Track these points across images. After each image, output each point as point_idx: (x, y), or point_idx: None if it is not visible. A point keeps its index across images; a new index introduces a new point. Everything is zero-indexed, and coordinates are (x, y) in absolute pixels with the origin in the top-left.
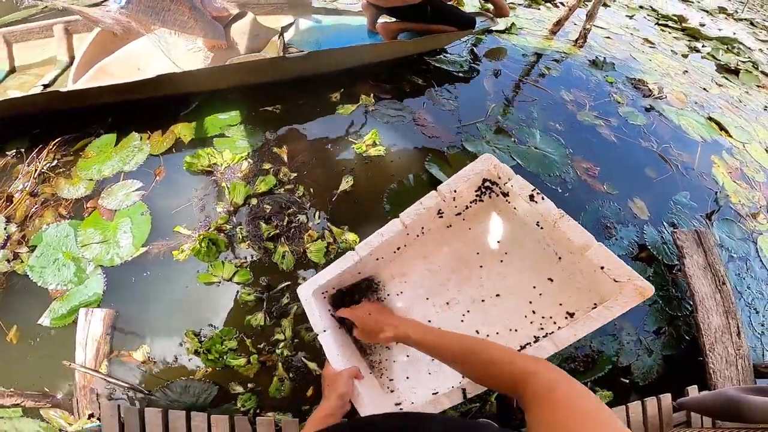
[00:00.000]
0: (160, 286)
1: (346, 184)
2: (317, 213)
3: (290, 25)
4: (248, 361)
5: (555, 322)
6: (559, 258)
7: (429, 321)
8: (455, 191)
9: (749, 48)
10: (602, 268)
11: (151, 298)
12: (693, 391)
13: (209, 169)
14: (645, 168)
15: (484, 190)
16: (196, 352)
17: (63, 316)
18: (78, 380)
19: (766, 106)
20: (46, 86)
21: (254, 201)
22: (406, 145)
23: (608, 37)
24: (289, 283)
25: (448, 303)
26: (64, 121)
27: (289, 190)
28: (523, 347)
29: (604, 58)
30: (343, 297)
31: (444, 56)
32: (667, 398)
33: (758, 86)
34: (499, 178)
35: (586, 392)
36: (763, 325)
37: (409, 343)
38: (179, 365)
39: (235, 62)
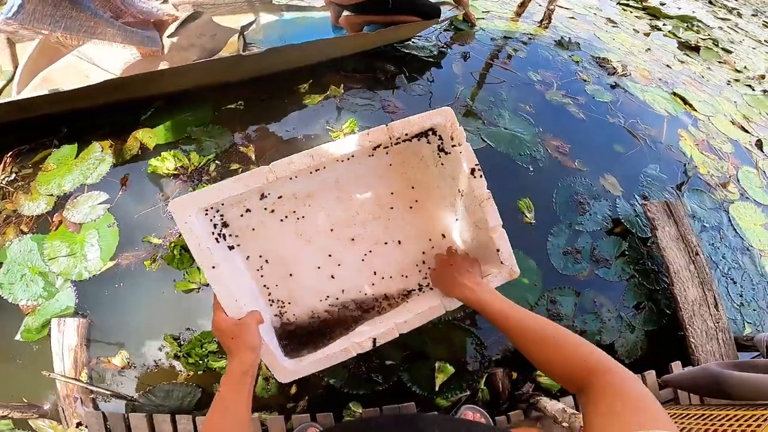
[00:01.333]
0: (136, 295)
1: None
2: None
3: (251, 23)
4: None
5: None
6: (456, 219)
7: (330, 255)
8: (406, 134)
9: (708, 26)
10: (498, 250)
11: (127, 307)
12: (677, 367)
13: (176, 172)
14: (614, 144)
15: (421, 135)
16: (176, 356)
17: (37, 329)
18: (60, 389)
19: (728, 81)
20: None
21: None
22: None
23: (572, 18)
24: None
25: (353, 239)
26: (15, 132)
27: None
28: (408, 293)
29: (569, 38)
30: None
31: (413, 42)
32: (651, 375)
33: (719, 62)
34: (451, 138)
35: (652, 396)
36: (741, 296)
37: (482, 308)
38: (161, 369)
39: (189, 64)
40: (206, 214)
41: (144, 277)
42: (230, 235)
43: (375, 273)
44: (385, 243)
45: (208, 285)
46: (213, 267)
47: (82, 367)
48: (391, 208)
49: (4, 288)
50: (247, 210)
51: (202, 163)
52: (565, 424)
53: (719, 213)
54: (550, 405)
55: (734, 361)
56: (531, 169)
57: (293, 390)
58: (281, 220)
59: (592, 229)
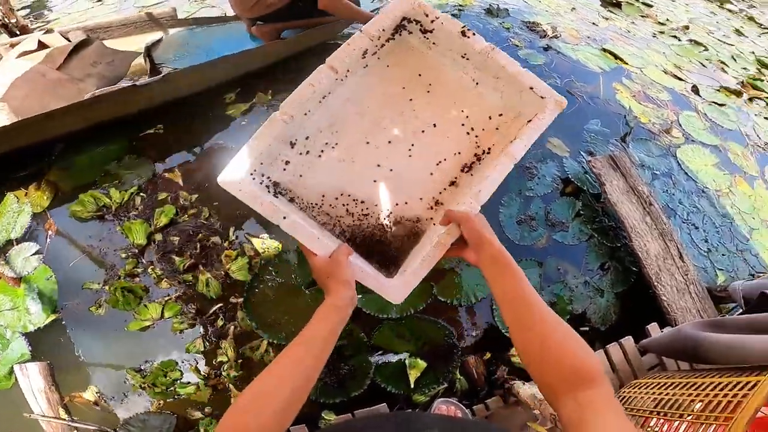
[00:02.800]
0: (89, 338)
1: None
2: (231, 229)
3: (158, 41)
4: (198, 387)
5: (492, 141)
6: (477, 83)
7: (378, 165)
8: (383, 30)
9: None
10: (531, 88)
11: (84, 349)
12: (654, 330)
13: (99, 213)
14: None
15: (398, 28)
16: (142, 387)
17: (2, 379)
18: (46, 429)
19: (654, 34)
20: None
21: (158, 237)
22: None
23: None
24: (221, 304)
25: (390, 142)
26: None
27: (193, 214)
28: (469, 167)
29: (498, 5)
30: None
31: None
32: (629, 342)
33: (642, 16)
34: (426, 15)
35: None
36: (707, 242)
37: (508, 263)
38: (133, 400)
39: (76, 103)
40: (254, 179)
41: (93, 320)
42: (285, 191)
43: (426, 161)
44: (422, 131)
45: (161, 319)
46: (284, 218)
47: (58, 406)
48: (410, 99)
49: None
50: (286, 162)
51: (125, 199)
52: (536, 411)
53: (668, 159)
54: (523, 390)
55: (706, 320)
56: None
57: None
58: (319, 157)
59: (543, 193)
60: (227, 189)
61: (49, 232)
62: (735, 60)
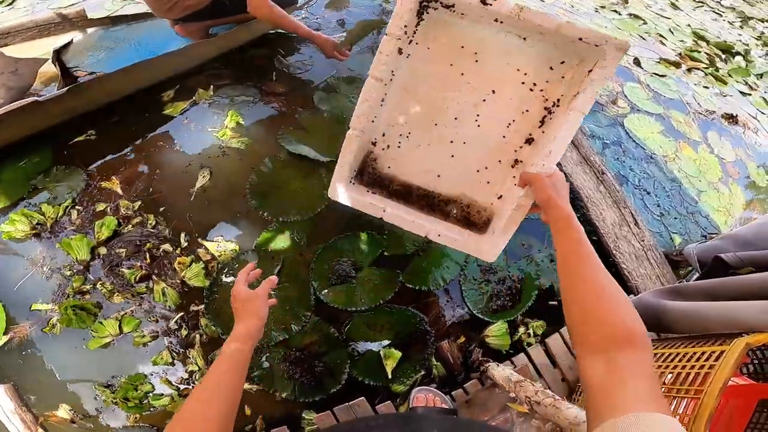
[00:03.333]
0: (50, 358)
1: (202, 179)
2: (181, 235)
3: (68, 44)
4: (172, 399)
5: (560, 92)
6: (524, 38)
7: (451, 142)
8: (406, 27)
9: None
10: (580, 39)
11: (48, 368)
12: None
13: (34, 231)
14: None
15: (420, 11)
16: (114, 402)
17: None
18: None
19: (596, 9)
20: None
21: (103, 250)
22: (258, 128)
23: None
24: (182, 313)
25: (456, 118)
26: None
27: (138, 223)
28: (542, 121)
29: None
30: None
31: None
32: None
33: None
34: None
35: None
36: (659, 206)
37: (569, 224)
38: (109, 416)
39: None
40: (353, 184)
41: (50, 340)
42: (379, 185)
43: (495, 127)
44: (483, 100)
45: (120, 335)
46: (384, 210)
47: (36, 426)
48: (462, 74)
49: None
50: (374, 161)
51: (60, 214)
52: (512, 395)
53: (616, 128)
54: (498, 372)
55: (666, 287)
56: None
57: (248, 411)
58: (399, 147)
59: None
60: (337, 200)
61: None
62: (672, 33)
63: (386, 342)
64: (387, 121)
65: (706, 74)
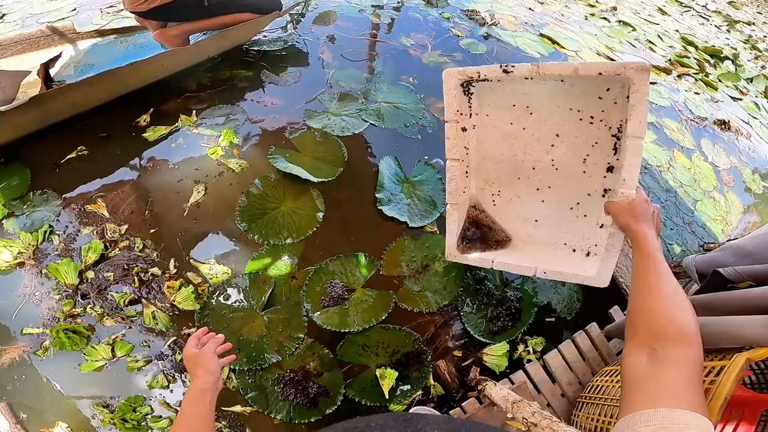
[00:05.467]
0: (44, 378)
1: (197, 194)
2: (171, 260)
3: (56, 57)
4: (171, 421)
5: (619, 116)
6: (563, 81)
7: (537, 189)
8: (459, 110)
9: None
10: (600, 74)
11: (41, 388)
12: (617, 314)
13: (18, 261)
14: None
15: (465, 88)
16: (112, 422)
17: None
18: None
19: (586, 16)
20: None
21: (91, 274)
22: (247, 149)
23: None
24: (175, 337)
25: (534, 168)
26: None
27: (125, 247)
28: (614, 148)
29: None
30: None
31: (262, 37)
32: (595, 328)
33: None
34: (471, 76)
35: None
36: None
37: (641, 243)
38: None
39: None
40: (463, 245)
41: (44, 363)
42: (484, 244)
43: (573, 165)
44: (552, 146)
45: (113, 359)
46: (492, 262)
47: None
48: (523, 128)
49: None
50: (475, 221)
51: (39, 240)
52: (509, 415)
53: None
54: (495, 392)
55: None
56: (420, 137)
57: None
58: (494, 205)
59: None
60: (454, 261)
61: None
62: (661, 38)
63: (380, 362)
64: (476, 186)
65: (696, 80)
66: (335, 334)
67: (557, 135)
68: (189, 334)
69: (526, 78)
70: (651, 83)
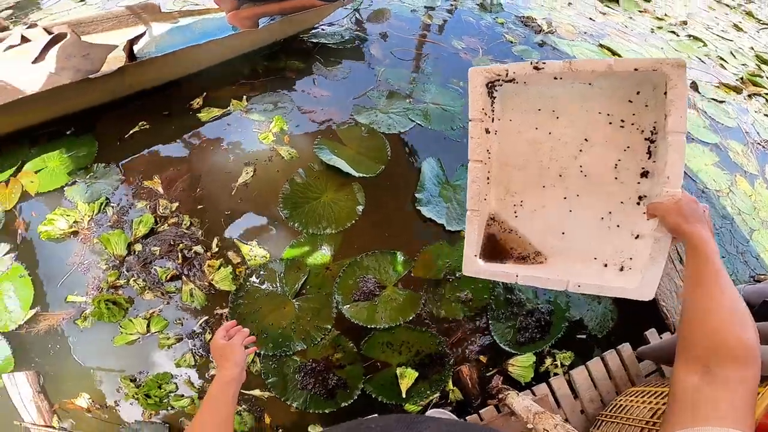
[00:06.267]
0: (77, 347)
1: (245, 175)
2: (214, 239)
3: (141, 35)
4: (192, 401)
5: (652, 118)
6: (590, 84)
7: (565, 198)
8: (483, 109)
9: None
10: (636, 69)
11: (72, 357)
12: (652, 336)
13: (72, 230)
14: None
15: (490, 91)
16: (135, 397)
17: None
18: None
19: (652, 29)
20: None
21: (138, 247)
22: (295, 138)
23: None
24: (207, 317)
25: (560, 175)
26: None
27: (174, 223)
28: (648, 152)
29: (491, 0)
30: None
31: (321, 30)
32: (627, 349)
33: (640, 11)
34: (499, 74)
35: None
36: None
37: (697, 246)
38: (125, 409)
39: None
40: (482, 258)
41: (80, 331)
42: (506, 257)
43: (603, 171)
44: (580, 150)
45: (147, 334)
46: (517, 276)
47: (50, 414)
48: (549, 133)
49: None
50: (494, 233)
51: (95, 211)
52: (529, 426)
53: None
54: (517, 402)
55: None
56: (465, 141)
57: (267, 420)
58: (516, 216)
59: None
60: (472, 276)
61: (19, 231)
62: (734, 56)
63: (402, 361)
64: (496, 195)
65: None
66: (361, 329)
67: (586, 140)
68: (221, 315)
69: (555, 78)
70: (719, 101)
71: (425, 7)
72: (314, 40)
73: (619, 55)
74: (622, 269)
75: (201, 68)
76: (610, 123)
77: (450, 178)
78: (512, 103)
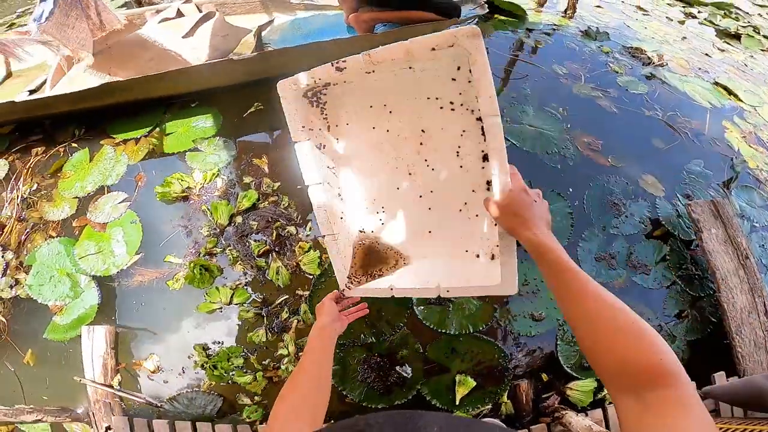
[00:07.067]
0: (161, 308)
1: None
2: (308, 223)
3: (269, 23)
4: (254, 378)
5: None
6: (410, 68)
7: (420, 196)
8: (305, 126)
9: (747, 12)
10: (433, 49)
11: (153, 318)
12: (720, 378)
13: (184, 194)
14: (652, 138)
15: (314, 99)
16: (203, 367)
17: (65, 328)
18: (91, 395)
19: None
20: (32, 91)
21: (239, 219)
22: None
23: (599, 6)
24: (287, 296)
25: (410, 173)
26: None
27: (273, 202)
28: (483, 132)
29: (597, 27)
30: None
31: None
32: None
33: (762, 50)
34: (308, 83)
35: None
36: None
37: (543, 255)
38: (186, 376)
39: (185, 68)
40: (355, 277)
41: (168, 293)
42: (383, 267)
43: (447, 161)
44: (420, 143)
45: (229, 304)
46: (391, 289)
47: (113, 373)
48: (387, 130)
49: (33, 289)
50: (367, 245)
51: (207, 181)
52: None
53: None
54: (576, 421)
55: None
56: (559, 167)
57: None
58: (381, 224)
59: (628, 233)
60: (356, 296)
61: (139, 184)
62: None
63: (462, 369)
64: (357, 207)
65: None
66: (430, 331)
67: (423, 131)
68: (302, 297)
69: (366, 72)
70: None
71: (526, 28)
72: None
73: (736, 95)
74: (493, 257)
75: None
76: (441, 108)
77: None
78: (345, 106)
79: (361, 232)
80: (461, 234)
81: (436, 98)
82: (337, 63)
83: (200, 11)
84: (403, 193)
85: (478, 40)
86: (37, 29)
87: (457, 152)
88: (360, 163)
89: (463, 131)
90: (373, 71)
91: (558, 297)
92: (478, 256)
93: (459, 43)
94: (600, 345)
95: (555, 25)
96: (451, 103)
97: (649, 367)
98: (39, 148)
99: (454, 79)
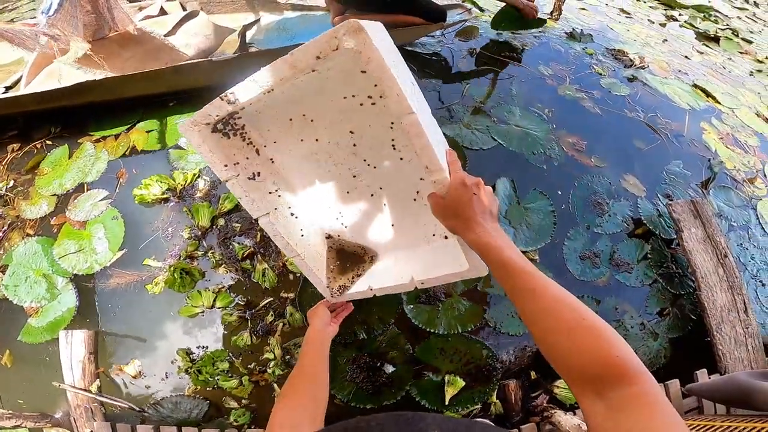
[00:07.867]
0: (141, 312)
1: None
2: None
3: (254, 22)
4: (240, 383)
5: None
6: (315, 71)
7: (372, 195)
8: (226, 165)
9: (726, 15)
10: (317, 58)
11: (134, 322)
12: (702, 376)
13: (164, 196)
14: (633, 138)
15: (226, 131)
16: (187, 371)
17: (40, 331)
18: (71, 400)
19: (751, 72)
20: (8, 88)
21: (221, 221)
22: None
23: (583, 9)
24: (272, 299)
25: (354, 176)
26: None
27: None
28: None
29: (581, 30)
30: None
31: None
32: (675, 384)
33: (740, 53)
34: (208, 122)
35: (680, 418)
36: None
37: (489, 256)
38: (170, 382)
39: (159, 69)
40: (334, 284)
41: (148, 296)
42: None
43: (386, 155)
44: (354, 144)
45: (212, 308)
46: (371, 289)
47: (93, 378)
48: (316, 140)
49: (9, 290)
50: (341, 251)
51: (188, 182)
52: None
53: (747, 211)
54: (565, 420)
55: (760, 370)
56: (545, 167)
57: None
58: (344, 227)
59: (611, 231)
60: (341, 300)
61: (121, 180)
62: None
63: (451, 369)
64: (311, 222)
65: None
66: (419, 331)
67: (351, 132)
68: (287, 299)
69: (266, 92)
70: None
71: (512, 32)
72: (409, 48)
73: (714, 98)
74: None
75: None
76: (361, 104)
77: (522, 199)
78: (265, 124)
79: (327, 237)
80: (424, 221)
81: (353, 95)
82: (226, 96)
83: (184, 9)
84: (355, 196)
85: (363, 34)
86: (46, 22)
87: (393, 145)
88: (302, 177)
89: (392, 123)
90: (272, 90)
91: (512, 298)
92: (446, 237)
93: (343, 43)
94: (559, 346)
95: (541, 29)
96: (370, 96)
97: (609, 366)
98: (15, 145)
99: (364, 72)
